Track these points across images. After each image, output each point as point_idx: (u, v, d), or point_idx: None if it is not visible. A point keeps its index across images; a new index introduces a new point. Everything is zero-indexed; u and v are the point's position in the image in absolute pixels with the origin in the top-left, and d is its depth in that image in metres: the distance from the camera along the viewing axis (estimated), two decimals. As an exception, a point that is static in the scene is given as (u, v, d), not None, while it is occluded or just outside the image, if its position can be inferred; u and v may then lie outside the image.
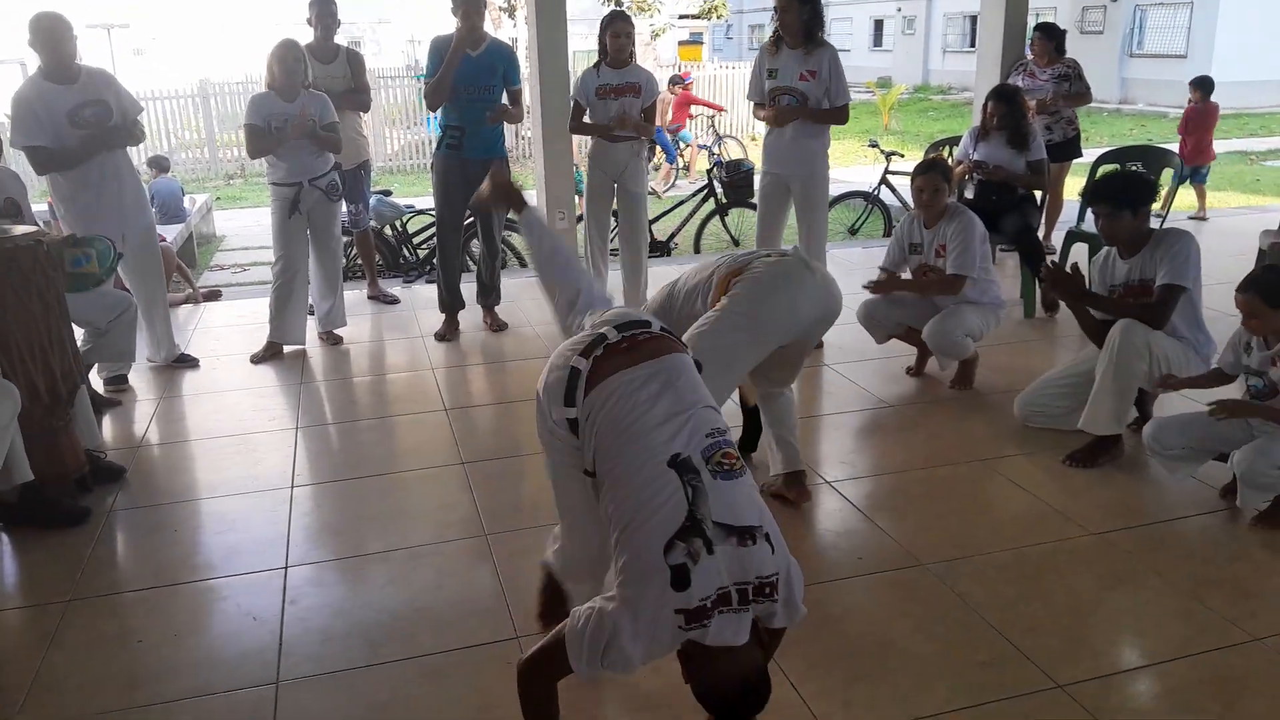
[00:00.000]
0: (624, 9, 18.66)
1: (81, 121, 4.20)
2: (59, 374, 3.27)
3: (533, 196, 6.32)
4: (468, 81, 4.85)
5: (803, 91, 4.61)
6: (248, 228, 10.41)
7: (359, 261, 6.34)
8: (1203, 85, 8.54)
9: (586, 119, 5.13)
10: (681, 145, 13.33)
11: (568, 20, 5.83)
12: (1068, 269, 3.59)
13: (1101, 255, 3.73)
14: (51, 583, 2.91)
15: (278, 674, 2.47)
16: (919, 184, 4.25)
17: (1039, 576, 2.85)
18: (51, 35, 4.12)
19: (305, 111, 4.68)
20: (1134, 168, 5.49)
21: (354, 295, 5.83)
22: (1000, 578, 2.84)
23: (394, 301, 5.94)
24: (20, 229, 3.32)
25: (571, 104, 5.18)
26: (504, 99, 4.99)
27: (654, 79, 5.20)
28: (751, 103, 5.00)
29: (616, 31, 4.99)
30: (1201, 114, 8.49)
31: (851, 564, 2.94)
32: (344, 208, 5.31)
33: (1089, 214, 5.59)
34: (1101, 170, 5.40)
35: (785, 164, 4.81)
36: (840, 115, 4.75)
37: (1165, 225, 3.66)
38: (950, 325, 4.17)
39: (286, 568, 2.96)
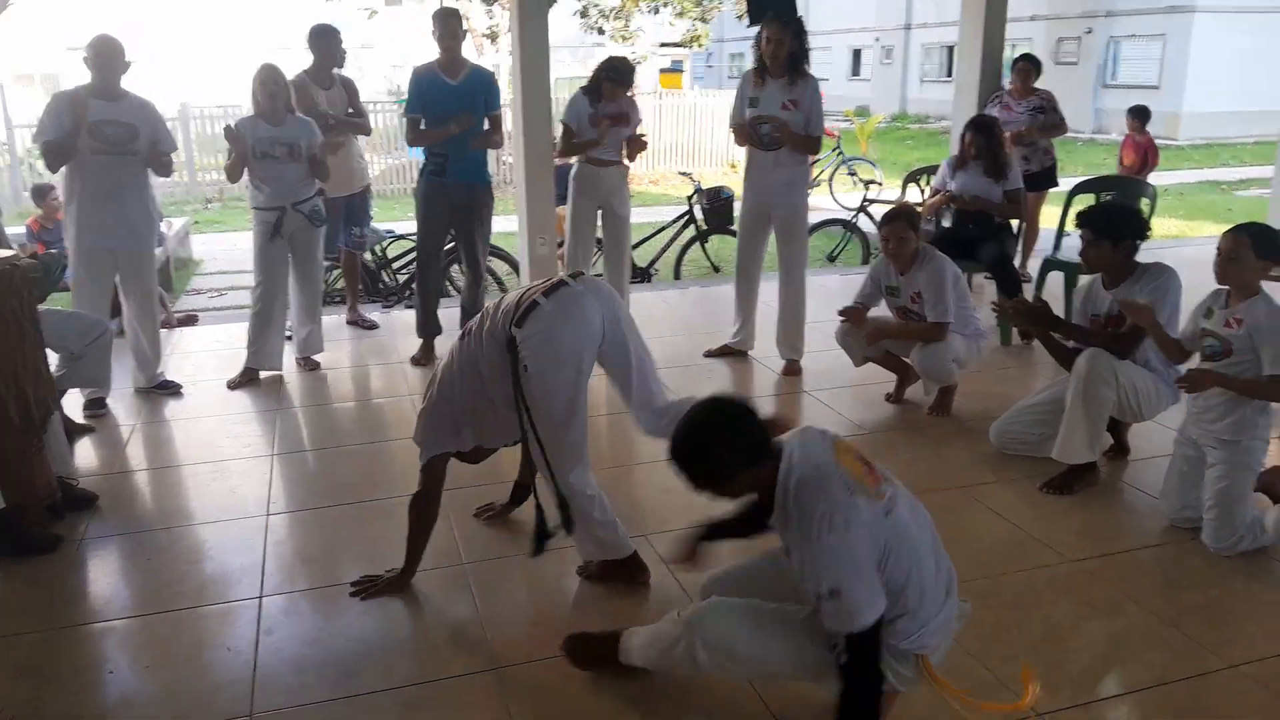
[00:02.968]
0: (604, 34, 18.84)
1: (101, 135, 4.28)
2: (32, 399, 3.23)
3: (513, 222, 6.33)
4: (449, 110, 4.88)
5: (784, 120, 4.66)
6: (226, 252, 10.35)
7: (339, 286, 6.33)
8: (1141, 115, 8.68)
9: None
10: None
11: (550, 48, 5.86)
12: (1034, 301, 3.64)
13: (1085, 283, 3.77)
14: (22, 612, 2.87)
15: (252, 705, 2.43)
16: (884, 234, 4.28)
17: (1017, 604, 2.85)
18: (103, 56, 4.32)
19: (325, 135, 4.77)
20: (1107, 197, 5.57)
21: (332, 320, 5.80)
22: (978, 605, 2.82)
23: (372, 327, 5.92)
24: (-5, 253, 3.29)
25: (561, 128, 5.17)
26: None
27: (637, 106, 5.26)
28: (731, 129, 5.04)
29: (615, 91, 5.04)
30: (1144, 144, 8.66)
31: (831, 592, 2.93)
32: (327, 230, 5.32)
33: (1064, 243, 5.67)
34: (1078, 199, 5.47)
35: (767, 192, 4.85)
36: (814, 145, 4.85)
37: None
38: (940, 349, 4.20)
39: (261, 597, 2.92)
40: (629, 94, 5.26)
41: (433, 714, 2.41)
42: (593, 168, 5.16)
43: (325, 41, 5.47)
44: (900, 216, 4.25)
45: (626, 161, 5.25)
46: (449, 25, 4.92)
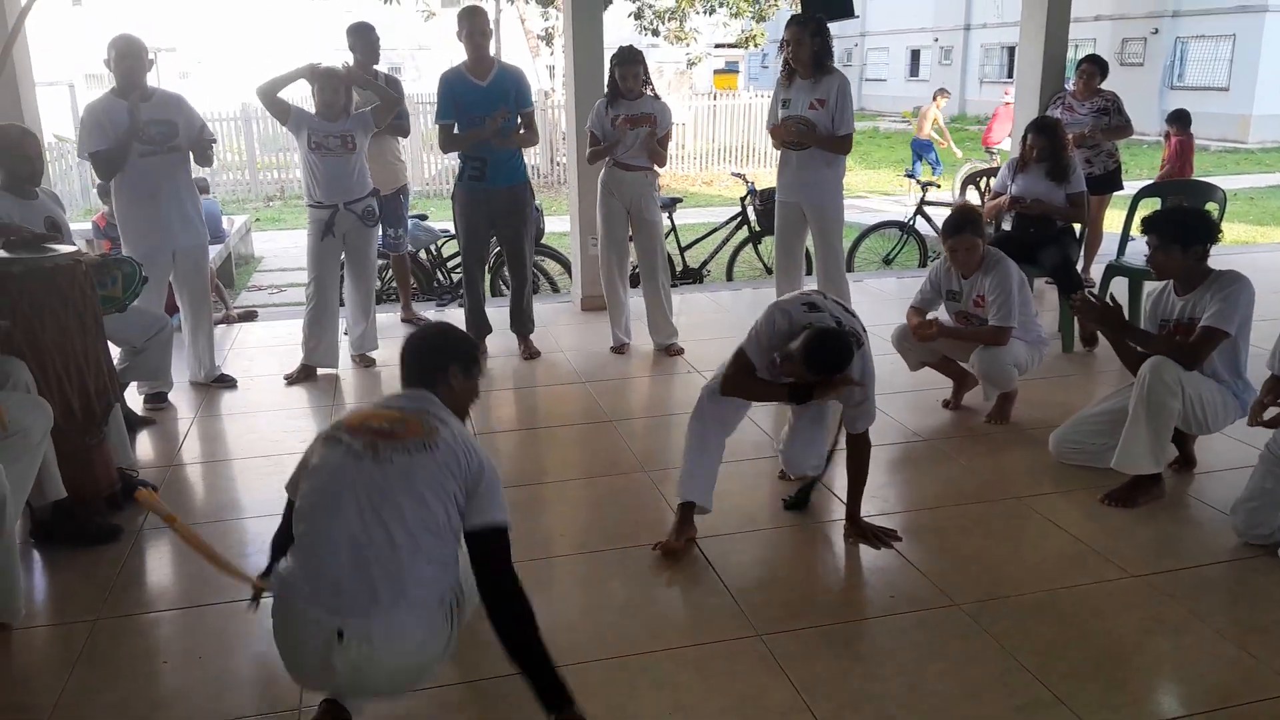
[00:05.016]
0: (659, 36, 18.80)
1: (146, 136, 4.37)
2: (93, 392, 3.30)
3: (565, 222, 6.35)
4: (481, 111, 4.85)
5: (812, 120, 4.62)
6: (286, 249, 10.55)
7: (393, 284, 6.38)
8: (1180, 119, 8.62)
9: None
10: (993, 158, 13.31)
11: (604, 49, 5.86)
12: (1106, 301, 3.54)
13: (1158, 289, 3.66)
14: (80, 601, 2.92)
15: (300, 700, 2.45)
16: (951, 245, 4.15)
17: (1076, 619, 2.77)
18: (126, 55, 4.34)
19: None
20: (1179, 201, 5.41)
21: (386, 318, 5.86)
22: (1036, 619, 2.77)
23: (427, 325, 5.95)
24: (60, 248, 3.36)
25: (588, 135, 5.16)
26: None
27: (668, 110, 5.16)
28: (768, 131, 5.01)
29: (624, 74, 4.93)
30: (1186, 148, 8.54)
31: (884, 602, 2.88)
32: (379, 231, 5.35)
33: (1129, 247, 5.53)
34: (1143, 204, 5.32)
35: (798, 192, 4.82)
36: (842, 144, 4.76)
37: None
38: (1000, 354, 4.12)
39: (312, 591, 2.94)
40: (655, 95, 5.12)
41: (479, 715, 2.40)
42: (620, 171, 5.11)
43: (363, 39, 5.41)
44: (965, 227, 4.14)
45: (656, 168, 5.18)
46: (476, 22, 4.85)
